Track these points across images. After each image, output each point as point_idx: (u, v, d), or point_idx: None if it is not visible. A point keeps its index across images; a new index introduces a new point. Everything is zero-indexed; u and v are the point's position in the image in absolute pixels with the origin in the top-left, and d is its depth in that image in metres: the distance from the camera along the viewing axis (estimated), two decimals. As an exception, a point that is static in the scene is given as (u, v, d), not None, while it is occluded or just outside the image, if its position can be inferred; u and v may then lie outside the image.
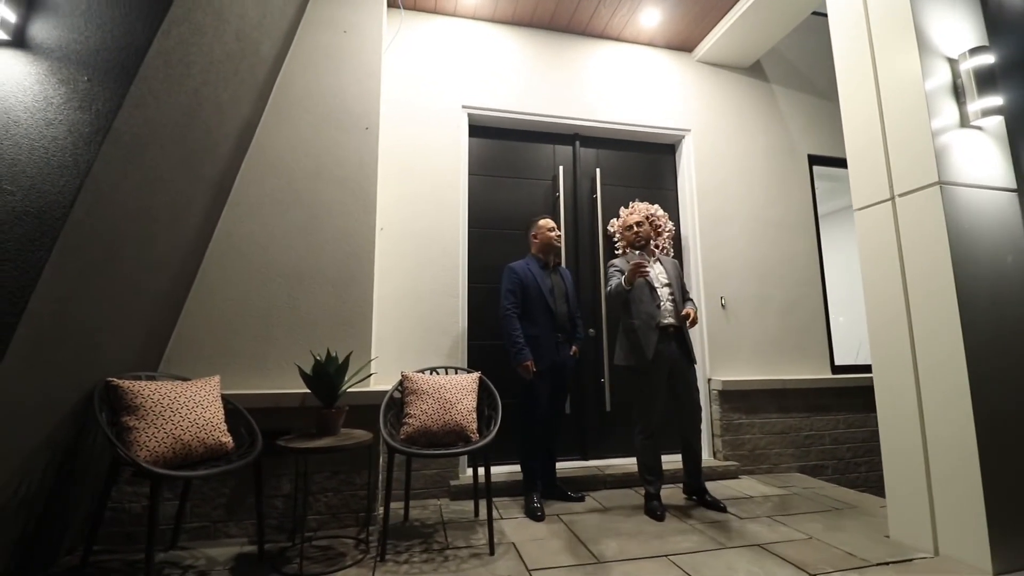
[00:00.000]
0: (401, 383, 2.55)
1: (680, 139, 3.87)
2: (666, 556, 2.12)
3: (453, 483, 2.94)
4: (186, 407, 2.06)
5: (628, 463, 3.22)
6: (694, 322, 2.71)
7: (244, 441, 2.21)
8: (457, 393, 2.49)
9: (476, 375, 2.66)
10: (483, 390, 2.64)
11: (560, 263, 3.08)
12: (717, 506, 2.73)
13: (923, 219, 2.21)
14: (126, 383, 2.00)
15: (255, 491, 2.15)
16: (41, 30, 1.67)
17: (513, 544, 2.26)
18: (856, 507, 2.75)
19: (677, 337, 2.76)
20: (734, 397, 3.49)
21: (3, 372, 1.53)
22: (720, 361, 3.57)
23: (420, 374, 2.62)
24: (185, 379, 2.28)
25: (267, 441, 2.17)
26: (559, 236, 2.97)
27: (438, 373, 2.76)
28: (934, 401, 2.14)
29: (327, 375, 2.23)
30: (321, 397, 2.27)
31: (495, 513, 2.68)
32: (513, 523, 2.54)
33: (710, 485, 3.14)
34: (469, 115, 3.46)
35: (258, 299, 2.59)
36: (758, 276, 3.75)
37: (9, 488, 1.70)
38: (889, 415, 2.34)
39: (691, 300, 2.91)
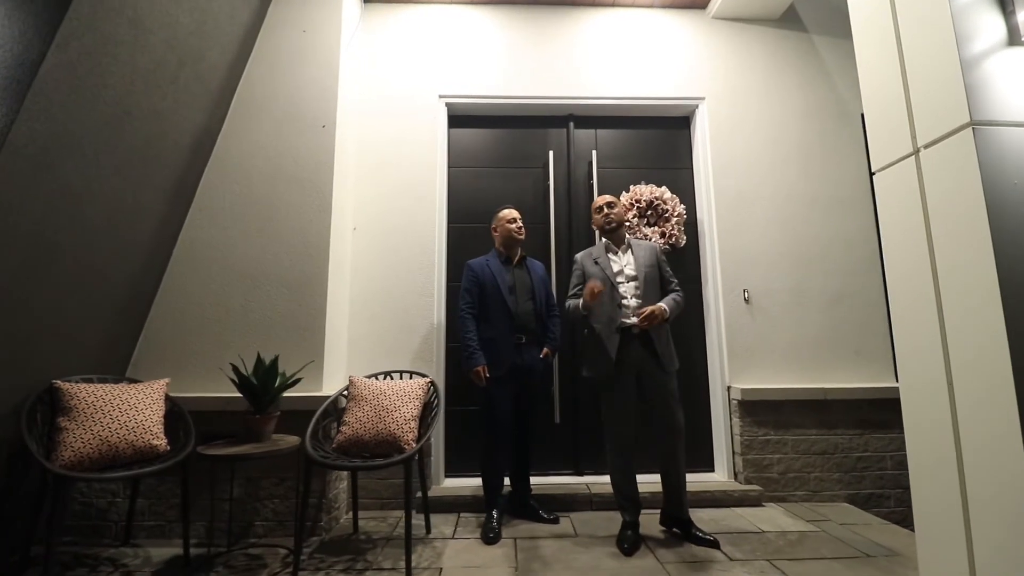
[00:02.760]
0: (347, 388, 2.44)
1: (694, 109, 3.36)
2: (601, 601, 1.77)
3: (420, 494, 2.77)
4: (119, 410, 2.11)
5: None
6: (652, 319, 2.26)
7: (182, 444, 2.23)
8: (397, 400, 2.32)
9: (425, 380, 2.48)
10: (432, 397, 2.45)
11: (526, 256, 2.78)
12: (707, 541, 2.27)
13: (952, 173, 1.63)
14: (66, 385, 2.10)
15: (182, 494, 2.15)
16: (-50, 55, 1.78)
17: (441, 570, 2.04)
18: (900, 555, 2.14)
19: (643, 340, 2.34)
20: (759, 409, 2.93)
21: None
22: (742, 366, 3.03)
23: (367, 379, 2.49)
24: (136, 382, 2.36)
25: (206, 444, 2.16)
26: (520, 228, 2.68)
27: (392, 378, 2.62)
28: (969, 408, 1.56)
29: (249, 381, 2.18)
30: (251, 403, 2.23)
31: (446, 531, 2.47)
32: (461, 544, 2.31)
33: (723, 512, 2.71)
34: (448, 105, 3.28)
35: (216, 303, 2.63)
36: (794, 264, 3.13)
37: (-59, 482, 1.84)
38: (917, 428, 1.77)
39: (675, 292, 2.44)
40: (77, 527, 2.38)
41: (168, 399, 2.32)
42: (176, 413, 2.32)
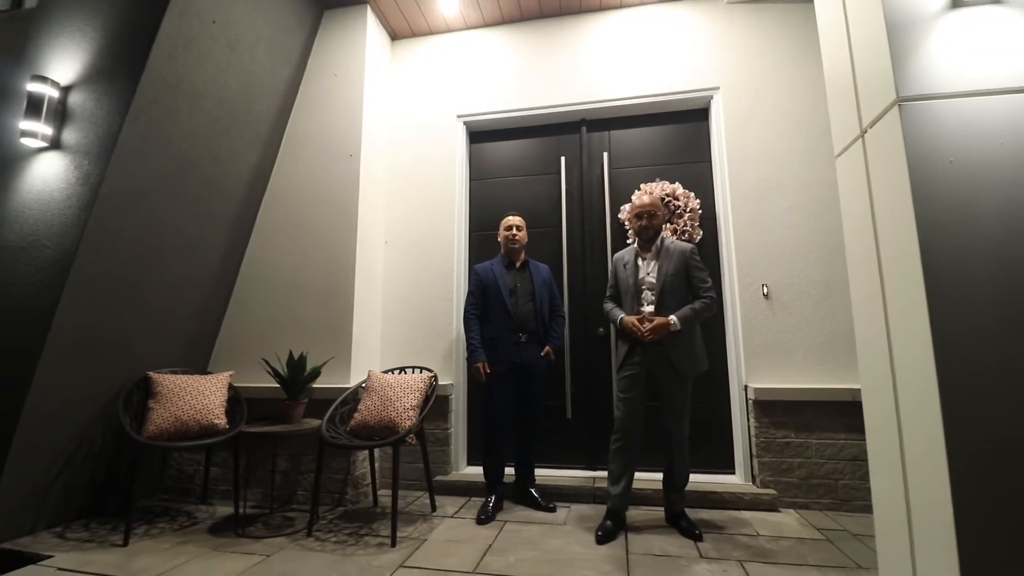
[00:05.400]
0: (365, 380, 2.83)
1: (709, 100, 3.26)
2: (544, 580, 1.91)
3: (437, 478, 3.06)
4: (190, 395, 2.70)
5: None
6: (656, 332, 2.35)
7: (237, 423, 2.77)
8: (400, 391, 2.64)
9: (428, 375, 2.77)
10: (432, 390, 2.74)
11: (529, 260, 2.95)
12: (692, 533, 2.30)
13: (886, 156, 1.53)
14: (156, 375, 2.74)
15: (233, 465, 2.68)
16: (67, 135, 2.46)
17: (424, 541, 2.31)
18: (898, 570, 1.95)
19: (657, 344, 2.39)
20: (777, 409, 2.78)
21: (41, 372, 2.29)
22: (760, 364, 2.89)
23: (382, 373, 2.85)
24: (208, 373, 2.97)
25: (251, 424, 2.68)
26: (514, 235, 2.86)
27: (406, 372, 2.96)
28: (909, 410, 1.46)
29: (279, 374, 2.65)
30: (284, 391, 2.70)
31: (449, 511, 2.74)
32: (456, 523, 2.57)
33: (729, 514, 2.67)
34: (466, 123, 3.56)
35: (270, 310, 3.18)
36: (821, 255, 2.91)
37: (73, 444, 2.52)
38: (873, 428, 1.67)
39: (701, 299, 2.39)
40: (173, 487, 3.05)
41: (231, 388, 2.89)
42: (236, 399, 2.87)
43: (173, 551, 2.21)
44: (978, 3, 1.46)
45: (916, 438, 1.43)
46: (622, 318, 2.46)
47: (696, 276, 2.45)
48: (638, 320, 2.40)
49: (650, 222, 2.51)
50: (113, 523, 2.53)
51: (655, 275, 2.47)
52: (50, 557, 2.12)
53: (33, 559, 2.12)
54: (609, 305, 2.61)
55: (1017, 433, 1.25)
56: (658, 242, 2.53)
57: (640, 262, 2.54)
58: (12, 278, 2.39)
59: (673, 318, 2.35)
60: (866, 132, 1.65)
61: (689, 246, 2.51)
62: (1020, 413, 1.26)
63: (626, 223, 3.20)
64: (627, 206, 3.25)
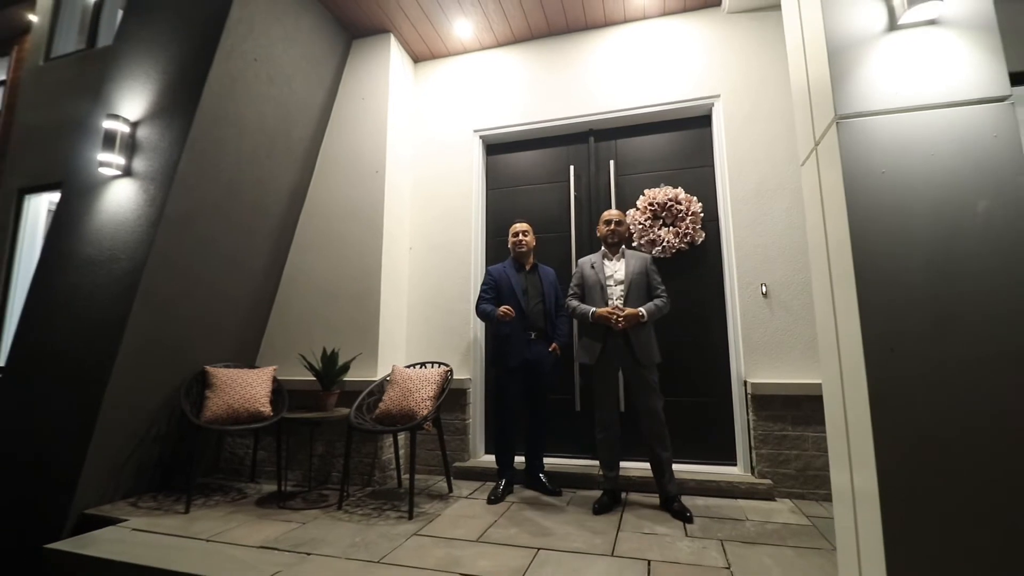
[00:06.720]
0: (389, 374, 3.14)
1: (711, 107, 3.39)
2: (538, 549, 2.15)
3: (456, 464, 3.35)
4: (240, 385, 3.09)
5: (633, 466, 3.06)
6: (630, 320, 2.63)
7: (279, 411, 3.14)
8: (419, 383, 2.94)
9: (444, 369, 3.06)
10: (447, 383, 3.02)
11: (537, 264, 3.19)
12: (683, 516, 2.50)
13: (830, 169, 1.68)
14: (212, 369, 3.14)
15: (276, 448, 3.04)
16: (136, 164, 2.90)
17: (438, 516, 2.60)
18: (872, 552, 2.07)
19: (624, 337, 2.67)
20: (775, 403, 2.90)
21: (118, 366, 2.71)
22: (759, 360, 3.01)
23: (405, 367, 3.16)
24: (255, 367, 3.36)
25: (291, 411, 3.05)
26: (520, 240, 3.10)
27: (426, 367, 3.25)
28: (853, 413, 1.61)
29: (315, 368, 3.00)
30: (319, 383, 3.05)
31: (464, 492, 3.02)
32: (468, 502, 2.84)
33: (724, 502, 2.81)
34: (482, 138, 3.83)
35: (309, 312, 3.55)
36: (819, 254, 3.00)
37: (143, 428, 2.95)
38: (832, 422, 1.81)
39: (659, 298, 2.75)
40: (227, 468, 3.47)
41: (275, 380, 3.27)
42: (279, 390, 3.25)
43: (225, 518, 2.59)
44: (914, 25, 1.60)
45: (857, 431, 1.57)
46: (594, 310, 2.72)
47: (654, 280, 2.79)
48: (612, 309, 2.66)
49: (616, 228, 2.88)
50: (177, 496, 2.94)
51: (623, 272, 2.80)
52: (125, 520, 2.53)
53: (113, 522, 2.53)
54: (575, 302, 2.86)
55: (942, 430, 1.36)
56: (623, 247, 2.90)
57: (607, 263, 2.87)
58: (94, 288, 2.83)
59: (642, 310, 2.65)
60: (818, 145, 1.80)
61: (648, 255, 2.89)
62: (946, 410, 1.37)
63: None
64: (631, 211, 3.45)
